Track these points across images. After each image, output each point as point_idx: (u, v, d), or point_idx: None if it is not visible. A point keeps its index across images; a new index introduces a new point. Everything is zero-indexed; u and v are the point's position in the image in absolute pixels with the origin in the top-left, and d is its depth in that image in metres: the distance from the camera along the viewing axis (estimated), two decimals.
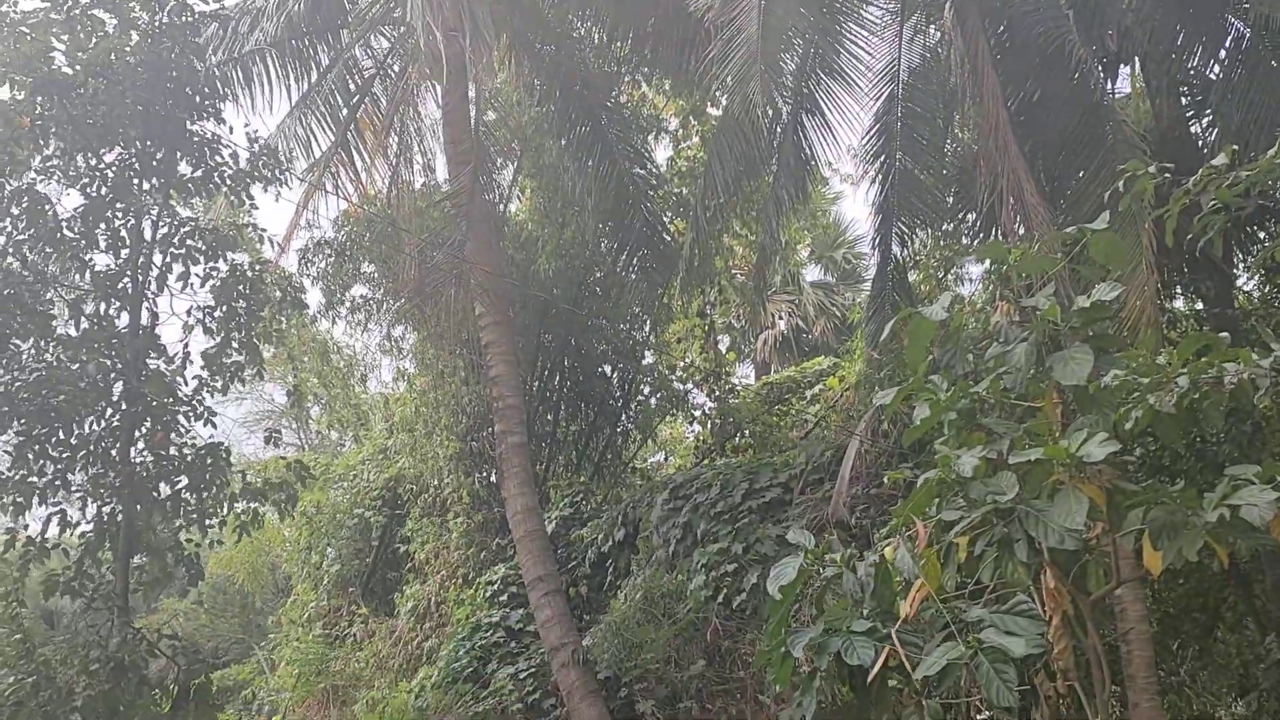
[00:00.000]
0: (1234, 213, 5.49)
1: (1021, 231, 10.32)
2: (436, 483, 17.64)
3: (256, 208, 11.69)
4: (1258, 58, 11.32)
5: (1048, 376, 4.47)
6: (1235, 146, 5.32)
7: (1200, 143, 12.92)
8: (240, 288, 10.93)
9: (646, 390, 19.04)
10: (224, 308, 10.95)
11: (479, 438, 17.08)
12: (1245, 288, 14.40)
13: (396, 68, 16.55)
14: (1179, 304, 14.06)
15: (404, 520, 18.96)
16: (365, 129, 16.22)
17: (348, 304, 17.37)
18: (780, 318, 28.80)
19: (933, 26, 13.15)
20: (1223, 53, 11.96)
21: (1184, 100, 13.24)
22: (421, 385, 18.11)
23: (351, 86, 16.40)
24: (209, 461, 10.58)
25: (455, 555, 17.15)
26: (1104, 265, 4.56)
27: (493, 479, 16.77)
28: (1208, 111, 12.83)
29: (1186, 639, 13.32)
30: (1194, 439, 11.21)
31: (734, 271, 21.07)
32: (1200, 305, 13.65)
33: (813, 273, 31.88)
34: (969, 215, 14.10)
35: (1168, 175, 5.05)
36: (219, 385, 11.01)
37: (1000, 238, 11.07)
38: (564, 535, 15.79)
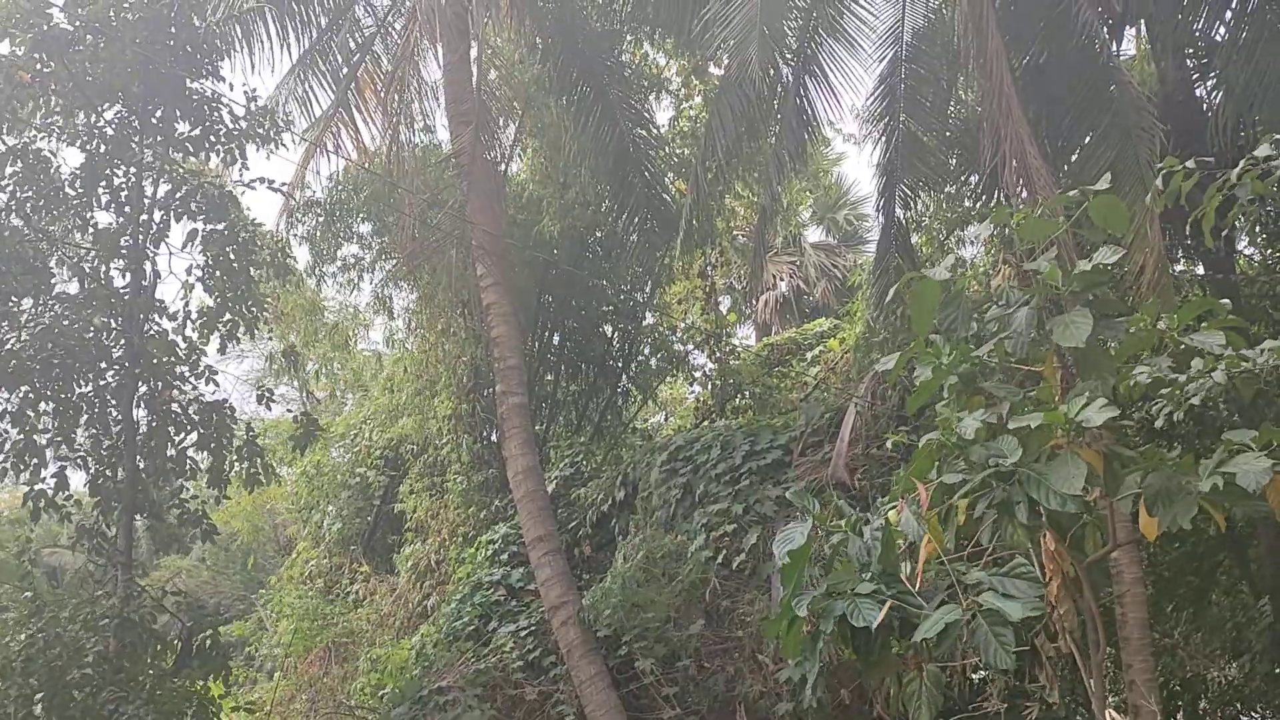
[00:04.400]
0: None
1: (1024, 194, 10.29)
2: (439, 442, 17.69)
3: (248, 168, 11.59)
4: (1263, 19, 11.23)
5: (1048, 340, 4.49)
6: (1277, 136, 5.23)
7: (1205, 105, 12.84)
8: (230, 248, 10.92)
9: (647, 351, 19.04)
10: (220, 269, 10.94)
11: (479, 398, 17.11)
12: (1246, 252, 14.40)
13: (398, 25, 16.41)
14: (1179, 267, 14.04)
15: (405, 480, 19.05)
16: (366, 88, 16.10)
17: (339, 263, 17.34)
18: (781, 279, 28.80)
19: None
20: (1228, 14, 11.87)
21: (1189, 63, 13.14)
22: (420, 346, 18.12)
23: (352, 45, 16.26)
24: (214, 419, 10.63)
25: (455, 515, 17.25)
26: (1105, 229, 4.56)
27: (493, 439, 16.82)
28: (1213, 74, 12.73)
29: (1181, 602, 13.43)
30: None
31: (735, 232, 21.03)
32: (1201, 269, 13.64)
33: (814, 234, 31.89)
34: (972, 178, 14.07)
35: (1207, 170, 4.99)
36: (215, 345, 11.04)
37: (1003, 200, 11.05)
38: (565, 495, 15.88)
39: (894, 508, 4.33)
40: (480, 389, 17.07)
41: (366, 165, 15.92)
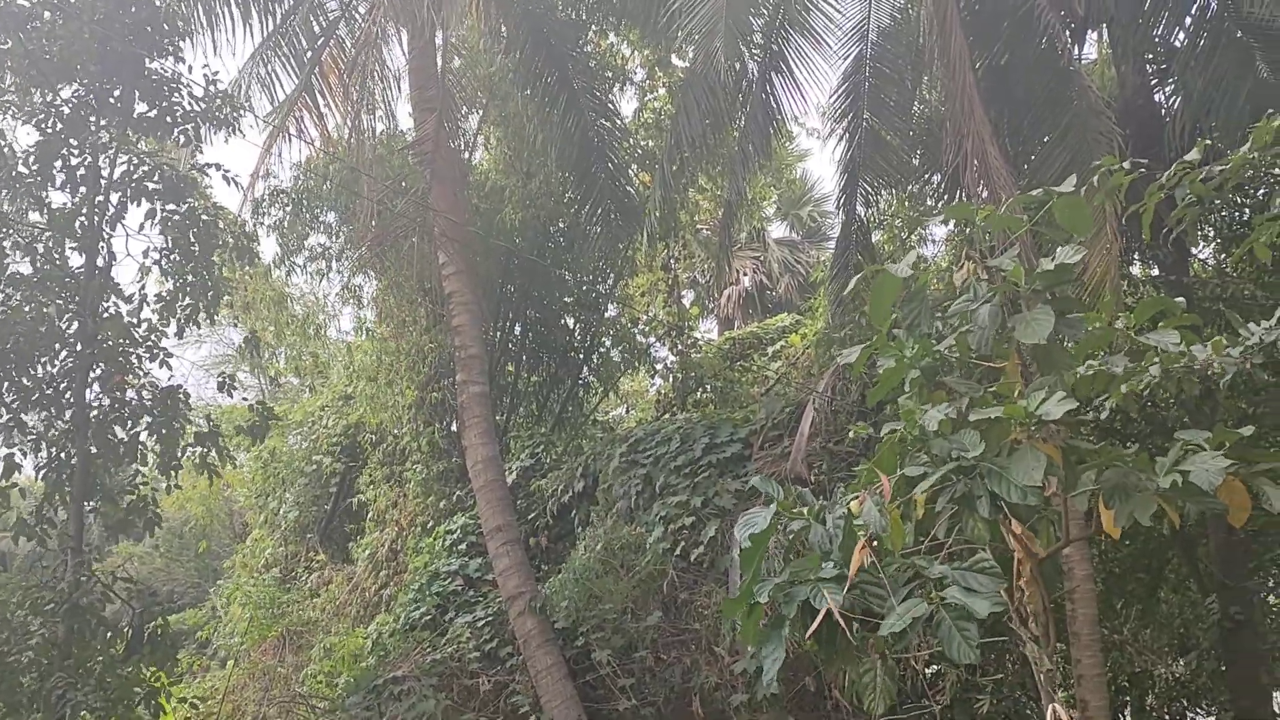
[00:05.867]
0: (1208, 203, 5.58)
1: (985, 194, 10.39)
2: (396, 432, 17.59)
3: (202, 151, 11.39)
4: (1221, 27, 11.41)
5: (1010, 337, 4.55)
6: (1208, 142, 5.35)
7: (1164, 110, 13.02)
8: (193, 231, 10.77)
9: (608, 343, 19.04)
10: (177, 251, 10.79)
11: (439, 387, 17.02)
12: (1200, 255, 14.61)
13: (362, 9, 16.26)
14: (1135, 269, 14.24)
15: (363, 468, 18.92)
16: (330, 73, 15.89)
17: (306, 253, 17.22)
18: (745, 274, 28.91)
19: None
20: (1188, 20, 12.05)
21: (1149, 68, 13.32)
22: (382, 334, 18.00)
23: (316, 28, 16.09)
24: (167, 405, 10.48)
25: (414, 504, 17.16)
26: (1067, 229, 4.63)
27: (453, 429, 16.75)
28: (1171, 80, 12.92)
29: (1130, 598, 13.64)
30: (1145, 403, 11.41)
31: (699, 226, 21.06)
32: (1156, 271, 13.84)
33: (778, 229, 32.00)
34: (934, 177, 14.18)
35: (1142, 170, 5.09)
36: (171, 329, 10.88)
37: (964, 200, 11.15)
38: (524, 486, 15.85)
39: (856, 498, 4.37)
40: (441, 378, 16.99)
41: (330, 151, 15.75)
